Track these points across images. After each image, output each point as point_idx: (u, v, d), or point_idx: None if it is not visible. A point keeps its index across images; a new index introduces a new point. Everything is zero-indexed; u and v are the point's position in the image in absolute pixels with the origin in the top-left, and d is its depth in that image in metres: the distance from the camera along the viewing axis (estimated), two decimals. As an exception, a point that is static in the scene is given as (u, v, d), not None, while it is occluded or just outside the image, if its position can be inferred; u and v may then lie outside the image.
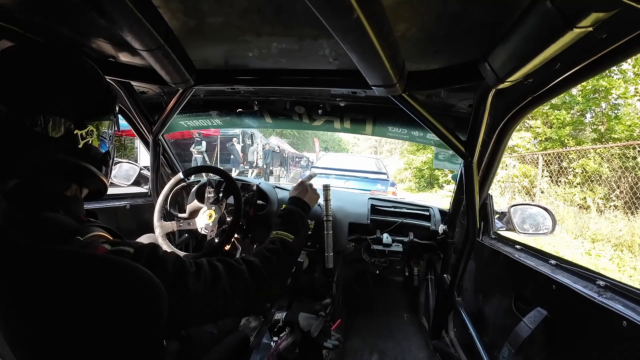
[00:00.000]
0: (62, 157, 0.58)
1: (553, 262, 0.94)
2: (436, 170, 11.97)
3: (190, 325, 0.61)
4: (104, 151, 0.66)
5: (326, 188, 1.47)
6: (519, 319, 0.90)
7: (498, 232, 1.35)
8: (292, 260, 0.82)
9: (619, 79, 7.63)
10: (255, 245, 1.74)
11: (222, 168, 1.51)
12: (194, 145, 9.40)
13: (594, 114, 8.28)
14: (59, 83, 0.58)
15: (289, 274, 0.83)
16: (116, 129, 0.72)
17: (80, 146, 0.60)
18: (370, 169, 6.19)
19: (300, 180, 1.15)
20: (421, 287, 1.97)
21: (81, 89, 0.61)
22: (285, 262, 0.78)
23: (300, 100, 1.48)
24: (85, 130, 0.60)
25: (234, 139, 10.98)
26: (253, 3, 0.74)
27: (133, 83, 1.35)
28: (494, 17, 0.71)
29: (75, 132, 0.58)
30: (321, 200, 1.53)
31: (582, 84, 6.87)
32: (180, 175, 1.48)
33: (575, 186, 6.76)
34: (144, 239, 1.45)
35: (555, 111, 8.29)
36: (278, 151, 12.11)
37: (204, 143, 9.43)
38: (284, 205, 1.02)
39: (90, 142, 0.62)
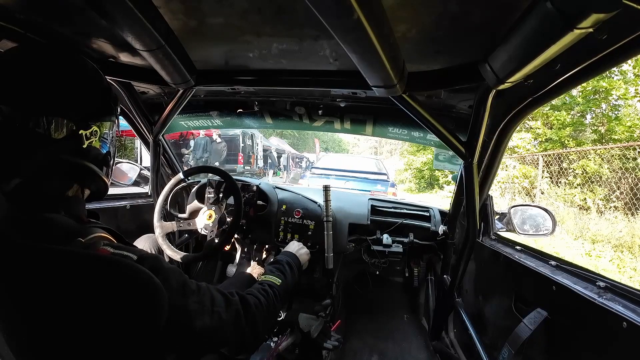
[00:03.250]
0: (66, 157, 0.57)
1: (553, 263, 0.94)
2: (436, 171, 11.95)
3: (182, 346, 0.58)
4: (105, 152, 0.66)
5: (326, 189, 1.47)
6: (519, 320, 0.90)
7: (498, 233, 1.35)
8: (278, 302, 0.85)
9: (619, 80, 7.63)
10: (255, 246, 1.74)
11: (222, 168, 1.51)
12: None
13: (594, 115, 8.28)
14: (62, 84, 0.58)
15: (275, 315, 0.86)
16: (117, 130, 0.72)
17: (84, 146, 0.60)
18: (370, 170, 6.18)
19: (292, 242, 1.30)
20: (421, 287, 1.97)
21: (84, 90, 0.61)
22: (271, 302, 0.81)
23: (300, 101, 1.48)
24: (90, 130, 0.60)
25: (272, 149, 13.70)
26: (253, 3, 0.74)
27: (133, 83, 1.35)
28: (494, 18, 0.71)
29: (80, 133, 0.58)
30: (321, 201, 1.53)
31: (583, 84, 6.87)
32: (181, 175, 1.48)
33: (576, 187, 6.76)
34: (144, 239, 1.45)
35: (556, 112, 8.29)
36: (219, 141, 8.78)
37: (191, 142, 9.53)
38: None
39: (93, 142, 0.62)
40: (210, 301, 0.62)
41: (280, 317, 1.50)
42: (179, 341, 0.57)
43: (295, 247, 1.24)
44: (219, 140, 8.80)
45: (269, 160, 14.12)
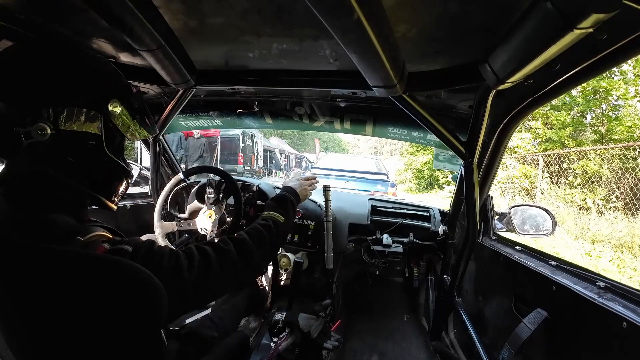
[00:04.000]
0: (48, 173, 0.56)
1: (553, 263, 0.94)
2: (436, 171, 11.94)
3: (183, 312, 0.61)
4: (104, 168, 0.64)
5: (326, 189, 1.47)
6: (519, 320, 0.90)
7: (498, 233, 1.34)
8: (280, 239, 0.85)
9: (619, 80, 7.62)
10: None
11: (222, 168, 1.51)
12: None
13: (594, 115, 8.27)
14: (54, 80, 0.57)
15: (276, 251, 0.86)
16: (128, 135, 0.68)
17: (58, 157, 0.57)
18: (370, 170, 6.18)
19: (297, 177, 1.20)
20: (421, 288, 1.97)
21: (77, 87, 0.59)
22: (274, 238, 0.81)
23: (300, 101, 1.48)
24: (71, 136, 0.57)
25: (277, 150, 14.88)
26: (253, 4, 0.74)
27: (134, 83, 1.34)
28: (494, 18, 0.71)
29: (44, 140, 0.55)
30: (321, 201, 1.53)
31: (583, 85, 6.86)
32: (181, 175, 1.48)
33: (576, 187, 6.75)
34: (144, 239, 1.45)
35: (556, 112, 8.28)
36: (198, 136, 8.08)
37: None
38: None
39: (85, 154, 0.60)
40: (205, 267, 0.62)
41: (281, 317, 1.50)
42: (179, 311, 0.59)
43: (296, 183, 1.13)
44: (197, 135, 8.17)
45: (273, 161, 14.83)
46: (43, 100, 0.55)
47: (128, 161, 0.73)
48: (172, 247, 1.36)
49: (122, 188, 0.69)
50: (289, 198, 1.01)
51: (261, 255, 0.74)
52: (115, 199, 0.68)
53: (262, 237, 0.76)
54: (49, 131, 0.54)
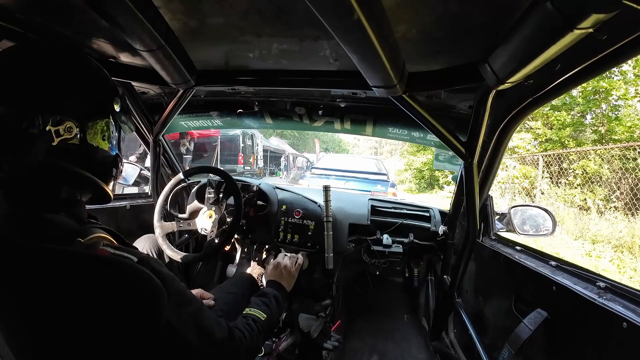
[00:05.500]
0: (54, 161, 0.56)
1: (553, 263, 0.94)
2: (436, 172, 11.94)
3: (171, 356, 0.57)
4: (106, 156, 0.64)
5: (326, 189, 1.47)
6: (519, 320, 0.90)
7: (498, 233, 1.34)
8: (261, 336, 0.84)
9: (619, 80, 7.62)
10: (255, 246, 1.74)
11: (222, 168, 1.51)
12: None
13: (594, 115, 8.27)
14: (53, 83, 0.57)
15: (257, 349, 0.85)
16: (119, 132, 0.69)
17: (75, 150, 0.58)
18: (370, 170, 6.18)
19: (276, 261, 1.21)
20: (421, 288, 1.97)
21: (76, 89, 0.60)
22: (254, 337, 0.79)
23: (300, 101, 1.48)
24: (84, 132, 0.58)
25: (287, 153, 15.95)
26: (254, 4, 0.74)
27: (134, 83, 1.35)
28: (494, 19, 0.71)
29: (71, 135, 0.56)
30: (321, 201, 1.53)
31: (583, 85, 6.87)
32: (181, 175, 1.48)
33: (576, 187, 6.75)
34: (144, 239, 1.45)
35: (556, 112, 8.28)
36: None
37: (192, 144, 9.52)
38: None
39: (91, 146, 0.60)
40: (202, 317, 0.62)
41: (281, 317, 1.50)
42: (170, 350, 0.56)
43: (278, 274, 1.15)
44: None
45: (284, 163, 15.84)
46: (58, 102, 0.56)
47: (127, 161, 0.74)
48: (174, 248, 1.37)
49: (117, 174, 0.70)
50: (271, 293, 1.00)
51: (244, 351, 0.72)
52: (111, 186, 0.68)
53: (244, 336, 0.75)
54: (76, 130, 0.57)
